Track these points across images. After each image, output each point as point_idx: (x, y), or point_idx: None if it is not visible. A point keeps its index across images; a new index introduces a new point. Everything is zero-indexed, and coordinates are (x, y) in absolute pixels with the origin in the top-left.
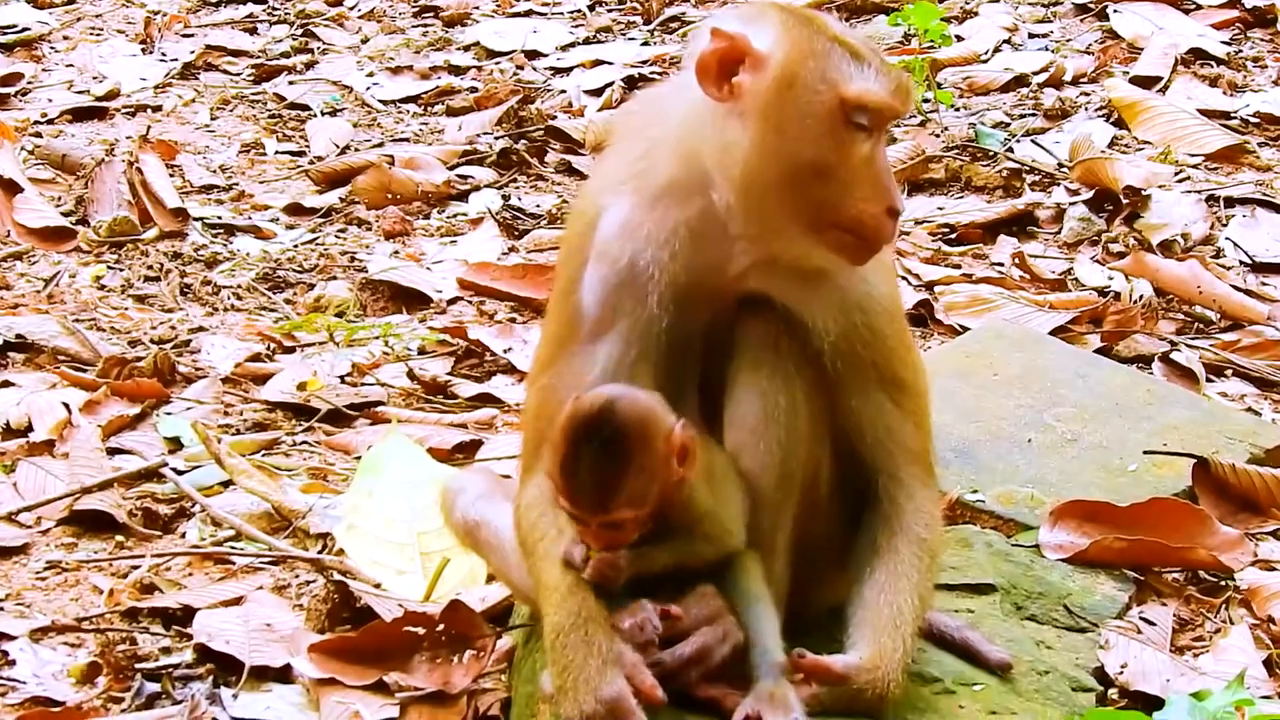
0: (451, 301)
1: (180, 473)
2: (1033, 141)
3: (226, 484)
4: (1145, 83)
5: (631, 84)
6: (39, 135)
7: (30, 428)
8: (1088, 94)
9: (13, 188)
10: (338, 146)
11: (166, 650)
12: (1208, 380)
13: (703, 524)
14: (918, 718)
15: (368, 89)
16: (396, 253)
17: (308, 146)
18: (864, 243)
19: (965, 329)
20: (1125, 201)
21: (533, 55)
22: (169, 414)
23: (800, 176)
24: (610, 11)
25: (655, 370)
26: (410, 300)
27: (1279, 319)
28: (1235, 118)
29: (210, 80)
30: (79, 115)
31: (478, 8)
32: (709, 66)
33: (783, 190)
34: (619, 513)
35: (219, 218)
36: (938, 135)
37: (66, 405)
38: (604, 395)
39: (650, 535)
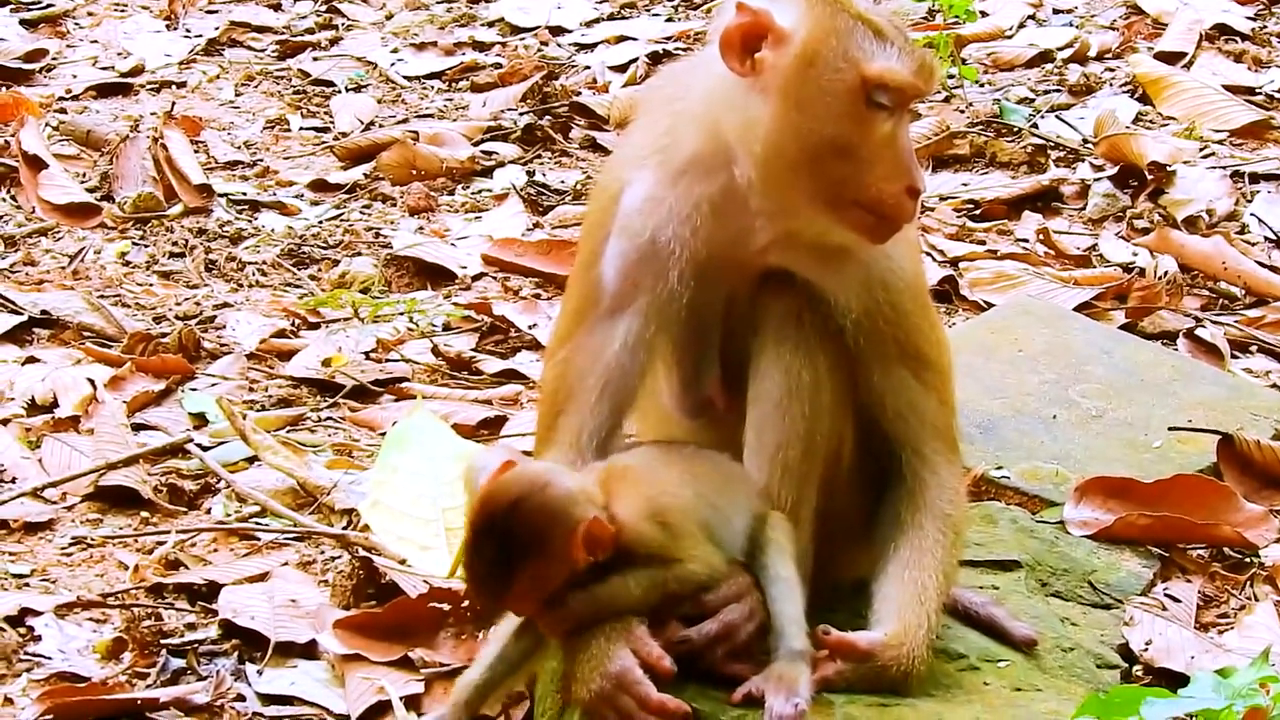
0: (476, 277)
1: (205, 449)
2: (1057, 117)
3: (251, 460)
4: (1170, 58)
5: (656, 60)
6: (64, 111)
7: (55, 404)
8: (1112, 70)
9: (38, 164)
10: (362, 122)
11: (192, 626)
12: (1232, 356)
13: (656, 558)
14: (942, 694)
15: (392, 65)
16: (421, 229)
17: (332, 123)
18: (884, 221)
19: (990, 305)
20: (1150, 177)
21: (557, 31)
22: (194, 390)
23: (821, 154)
24: None
25: (675, 345)
26: (435, 276)
27: None
28: (1260, 93)
29: (235, 56)
30: (104, 91)
31: None
32: (733, 41)
33: (803, 167)
34: (514, 605)
35: (244, 194)
36: (962, 111)
37: (92, 381)
38: (514, 491)
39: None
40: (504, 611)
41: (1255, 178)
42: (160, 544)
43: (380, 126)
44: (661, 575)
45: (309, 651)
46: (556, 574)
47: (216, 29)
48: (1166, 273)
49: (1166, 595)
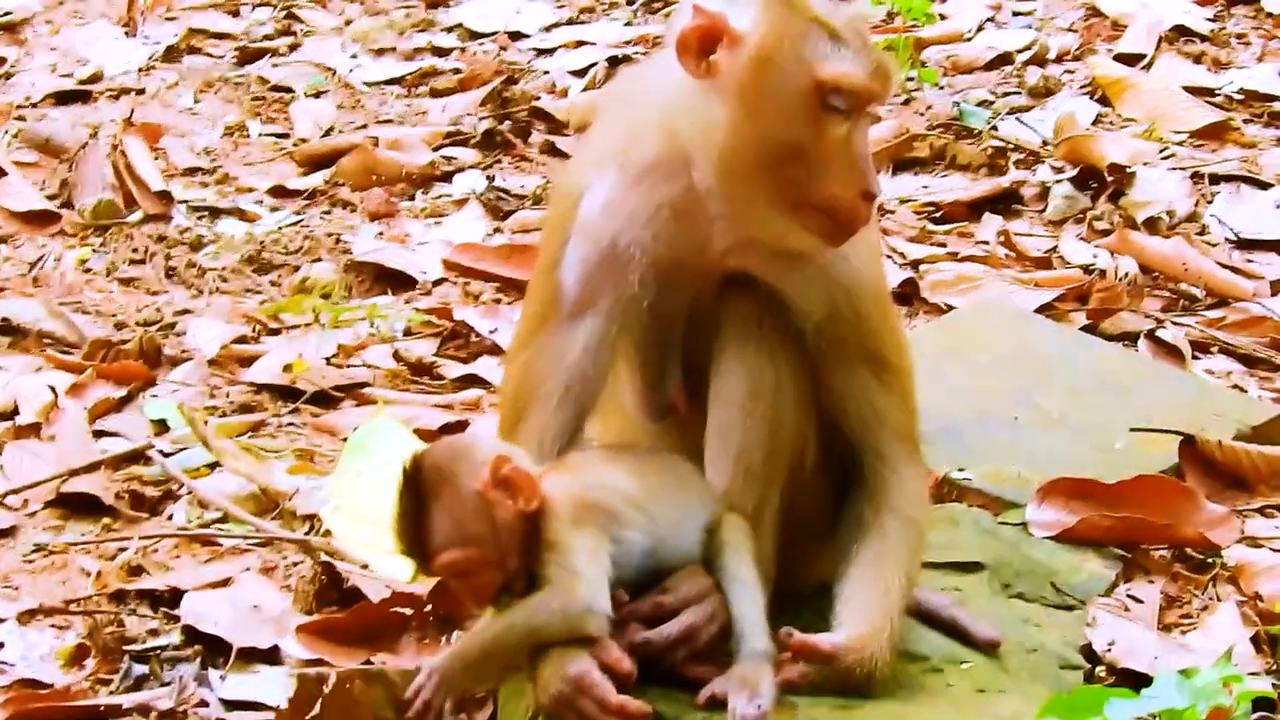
0: (437, 283)
1: (167, 455)
2: (1017, 119)
3: (213, 466)
4: (1129, 60)
5: (615, 64)
6: (22, 119)
7: (16, 411)
8: (1071, 72)
9: None
10: (321, 128)
11: (154, 632)
12: (1194, 358)
13: (546, 558)
14: (905, 696)
15: (351, 71)
16: (381, 234)
17: (291, 129)
18: (839, 225)
19: (951, 307)
20: (1110, 179)
21: (516, 36)
22: (155, 396)
23: (775, 157)
24: None
25: (637, 349)
26: (395, 282)
27: (1265, 296)
28: (1219, 94)
29: (193, 63)
30: (62, 99)
31: None
32: (688, 43)
33: (758, 170)
34: (447, 555)
35: (203, 200)
36: (922, 114)
37: (53, 388)
38: (417, 451)
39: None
40: (440, 563)
41: (1215, 179)
42: (122, 550)
43: (340, 132)
44: (524, 612)
45: (272, 657)
46: (478, 517)
47: (175, 36)
48: (1127, 274)
49: (1129, 596)
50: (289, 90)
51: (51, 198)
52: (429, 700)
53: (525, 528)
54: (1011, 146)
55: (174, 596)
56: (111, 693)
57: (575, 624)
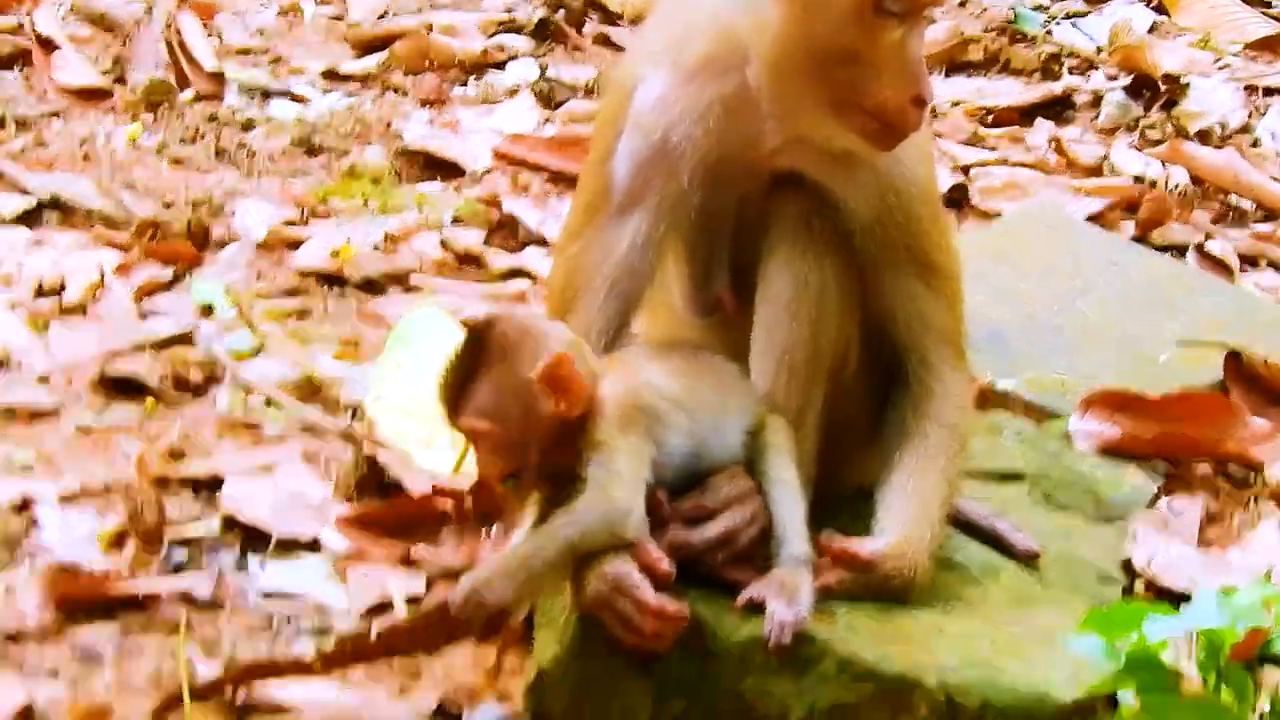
0: (486, 172)
1: (212, 338)
2: (1072, 25)
3: (257, 350)
4: None
5: None
6: None
7: (63, 287)
8: None
9: (50, 45)
10: (376, 12)
11: (195, 518)
12: (1242, 271)
13: (589, 457)
14: (943, 605)
15: None
16: (432, 121)
17: (346, 11)
18: (889, 129)
19: (1000, 213)
20: (1163, 88)
21: None
22: (202, 279)
23: (827, 60)
24: None
25: (686, 246)
26: (445, 170)
27: None
28: (1276, 6)
29: None
30: None
31: None
32: None
33: (810, 72)
34: (470, 420)
35: (255, 81)
36: (977, 16)
37: (100, 267)
38: (497, 313)
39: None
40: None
41: (1269, 91)
42: (165, 434)
43: (394, 16)
44: (563, 518)
45: (312, 546)
46: (515, 401)
47: None
48: (1178, 185)
49: (1170, 511)
50: None
51: (104, 73)
52: (469, 617)
53: (562, 427)
54: (1066, 52)
55: (215, 483)
56: (151, 578)
57: (616, 529)
